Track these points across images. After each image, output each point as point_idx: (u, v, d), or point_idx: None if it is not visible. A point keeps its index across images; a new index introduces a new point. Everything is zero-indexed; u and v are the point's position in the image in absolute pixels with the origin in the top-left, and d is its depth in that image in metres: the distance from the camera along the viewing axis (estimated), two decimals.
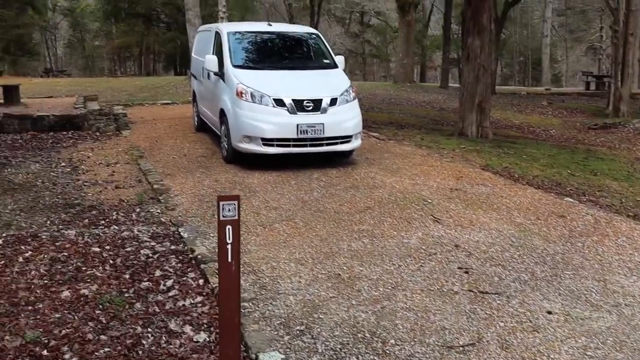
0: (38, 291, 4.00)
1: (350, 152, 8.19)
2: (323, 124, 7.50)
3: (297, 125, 7.41)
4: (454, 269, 4.50)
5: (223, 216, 2.78)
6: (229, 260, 2.82)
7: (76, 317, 3.63)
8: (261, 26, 9.28)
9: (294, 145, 7.54)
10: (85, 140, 10.16)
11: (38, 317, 3.62)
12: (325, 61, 8.68)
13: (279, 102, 7.49)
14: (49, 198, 6.44)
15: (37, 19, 47.66)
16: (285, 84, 7.84)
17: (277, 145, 7.51)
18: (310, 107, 7.55)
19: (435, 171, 7.76)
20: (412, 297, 3.99)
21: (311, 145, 7.60)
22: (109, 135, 10.73)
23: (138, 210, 6.03)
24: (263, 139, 7.46)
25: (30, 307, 3.76)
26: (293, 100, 7.49)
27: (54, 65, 52.74)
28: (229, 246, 2.81)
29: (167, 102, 15.40)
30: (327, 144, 7.66)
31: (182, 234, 5.21)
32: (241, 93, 7.63)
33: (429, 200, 6.30)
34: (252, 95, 7.56)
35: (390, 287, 4.14)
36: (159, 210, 5.97)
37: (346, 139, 7.77)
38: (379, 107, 16.04)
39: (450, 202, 6.30)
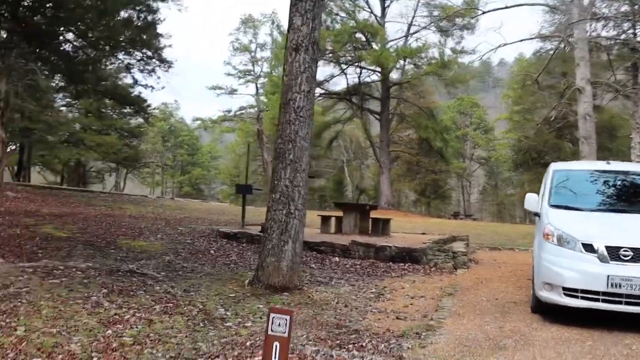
0: None
1: None
2: None
3: (608, 276, 6.10)
4: None
5: (272, 330, 2.48)
6: None
7: None
8: (599, 165, 8.23)
9: (604, 301, 6.18)
10: (416, 273, 10.40)
11: None
12: None
13: (588, 248, 6.34)
14: (327, 316, 6.73)
15: (453, 166, 52.40)
16: (603, 227, 6.64)
17: (582, 298, 6.28)
18: (629, 257, 6.15)
19: None
20: None
21: (628, 304, 6.10)
22: (444, 271, 10.77)
23: (393, 341, 5.75)
24: (564, 289, 6.37)
25: None
26: (607, 247, 6.25)
27: (465, 209, 56.13)
28: None
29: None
30: None
31: None
32: (547, 235, 6.79)
33: None
34: (559, 238, 6.63)
35: None
36: (409, 345, 5.58)
37: None
38: None
39: None
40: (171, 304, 6.99)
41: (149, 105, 28.32)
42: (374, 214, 16.21)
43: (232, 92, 57.25)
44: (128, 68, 20.76)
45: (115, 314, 6.36)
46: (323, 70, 39.55)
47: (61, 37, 12.41)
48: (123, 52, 17.59)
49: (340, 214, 15.51)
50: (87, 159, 43.54)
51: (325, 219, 15.48)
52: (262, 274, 8.09)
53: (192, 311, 6.73)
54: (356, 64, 39.70)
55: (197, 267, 9.83)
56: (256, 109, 59.15)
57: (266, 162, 56.24)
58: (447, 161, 44.13)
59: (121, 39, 16.50)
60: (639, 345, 5.74)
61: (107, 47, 15.30)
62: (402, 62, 39.78)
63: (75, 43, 13.24)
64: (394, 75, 43.85)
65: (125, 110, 32.86)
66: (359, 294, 8.27)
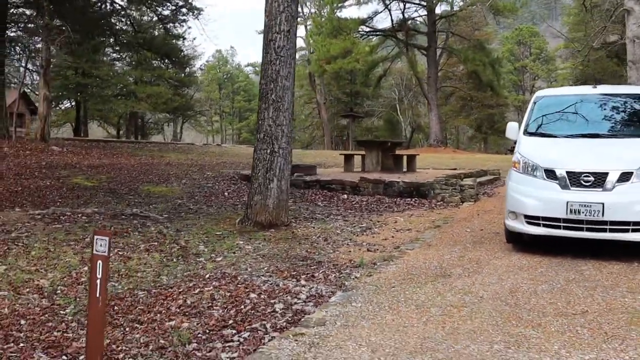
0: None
1: None
2: (602, 203, 5.86)
3: (567, 202, 6.02)
4: None
5: (96, 251, 2.73)
6: (97, 295, 2.73)
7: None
8: (584, 89, 7.91)
9: (565, 227, 6.11)
10: (419, 208, 10.46)
11: None
12: None
13: (550, 174, 6.25)
14: (299, 250, 6.98)
15: (511, 99, 50.71)
16: (569, 153, 6.49)
17: (544, 226, 6.24)
18: (589, 182, 6.02)
19: None
20: None
21: (588, 230, 6.01)
22: (451, 205, 10.78)
23: (347, 271, 5.95)
24: (526, 216, 6.34)
25: None
26: (568, 172, 6.13)
27: None
28: (98, 281, 2.73)
29: None
30: (611, 230, 5.93)
31: (331, 297, 4.94)
32: (515, 163, 6.72)
33: None
34: (524, 166, 6.55)
35: None
36: (357, 275, 5.76)
37: None
38: None
39: None
40: (156, 243, 7.42)
41: (185, 56, 28.70)
42: (402, 151, 16.20)
43: None
44: (160, 19, 21.06)
45: None
46: (367, 7, 38.67)
47: None
48: (148, 3, 17.83)
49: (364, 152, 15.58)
50: (143, 111, 44.94)
51: (348, 158, 15.61)
52: (250, 212, 8.40)
53: (173, 249, 7.13)
54: None
55: (202, 209, 10.26)
56: (306, 51, 58.82)
57: (320, 104, 56.28)
58: (498, 94, 42.74)
59: None
60: (592, 271, 5.70)
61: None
62: None
63: None
64: (444, 8, 42.43)
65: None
66: (347, 228, 8.46)
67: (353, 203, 10.87)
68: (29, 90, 36.39)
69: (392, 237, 7.84)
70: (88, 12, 13.24)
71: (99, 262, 2.77)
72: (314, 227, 8.48)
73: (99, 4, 15.27)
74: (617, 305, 4.62)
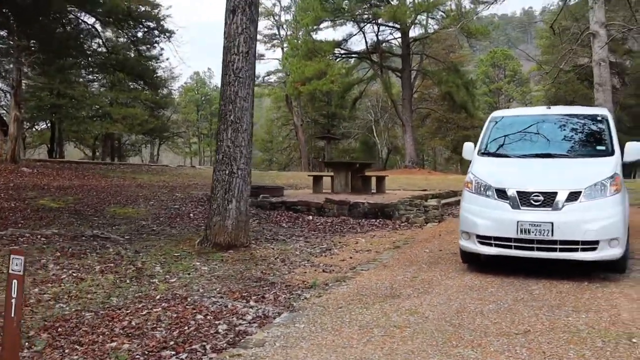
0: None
1: (617, 264, 6.20)
2: (552, 222, 5.94)
3: (518, 222, 6.08)
4: None
5: (12, 270, 2.69)
6: (12, 315, 2.68)
7: None
8: (538, 110, 8.06)
9: (517, 247, 6.17)
10: (382, 229, 10.49)
11: None
12: (600, 148, 6.86)
13: (501, 194, 6.32)
14: (254, 271, 6.94)
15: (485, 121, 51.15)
16: (520, 173, 6.58)
17: (496, 245, 6.29)
18: (539, 202, 6.09)
19: None
20: None
21: (539, 249, 6.07)
22: (415, 226, 10.83)
23: (298, 292, 5.90)
24: (478, 236, 6.39)
25: None
26: (518, 192, 6.21)
27: None
28: (13, 300, 2.68)
29: None
30: (561, 250, 5.99)
31: (276, 318, 4.91)
32: (467, 183, 6.79)
33: None
34: (476, 186, 6.62)
35: None
36: (307, 296, 5.74)
37: (590, 244, 5.92)
38: None
39: None
40: (112, 264, 7.33)
41: (158, 77, 28.68)
42: (374, 172, 16.26)
43: (259, 57, 57.14)
44: (133, 42, 21.07)
45: (54, 274, 6.74)
46: (341, 30, 39.15)
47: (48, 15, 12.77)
48: (120, 25, 17.84)
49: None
50: (119, 133, 44.64)
51: (317, 179, 15.64)
52: (209, 233, 8.35)
53: (129, 270, 7.05)
54: (373, 21, 39.05)
55: (165, 230, 10.18)
56: (284, 73, 59.11)
57: (297, 126, 56.43)
58: (472, 115, 43.26)
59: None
60: (542, 290, 5.75)
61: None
62: (420, 17, 38.89)
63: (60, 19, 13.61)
64: (417, 31, 43.04)
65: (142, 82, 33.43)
66: (306, 249, 8.45)
67: (317, 224, 10.87)
68: (3, 112, 35.97)
69: (350, 258, 7.85)
70: (54, 32, 13.20)
71: (14, 281, 2.73)
72: (273, 249, 8.45)
73: (67, 25, 15.21)
74: (560, 324, 4.65)
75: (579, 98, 39.03)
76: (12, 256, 2.78)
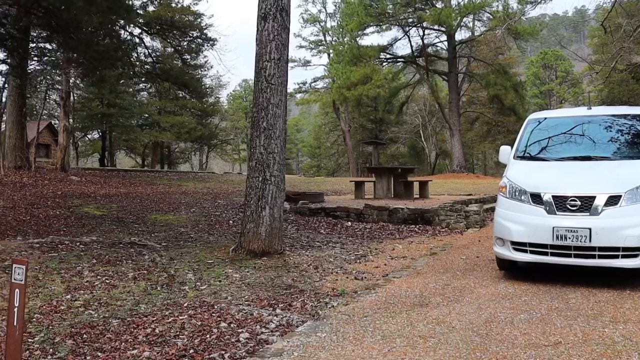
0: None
1: None
2: (590, 228, 5.66)
3: (553, 228, 5.83)
4: None
5: (14, 279, 2.70)
6: (15, 323, 2.70)
7: None
8: (578, 110, 7.73)
9: (553, 254, 5.91)
10: (421, 235, 10.29)
11: None
12: None
13: (536, 199, 6.08)
14: (286, 279, 6.89)
15: None
16: (557, 177, 6.31)
17: (531, 252, 6.04)
18: (576, 207, 5.82)
19: None
20: None
21: (576, 256, 5.80)
22: (455, 231, 10.59)
23: (326, 300, 5.82)
24: (512, 242, 6.16)
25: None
26: (554, 197, 5.95)
27: None
28: (15, 309, 2.69)
29: None
30: (600, 257, 5.71)
31: (299, 327, 4.83)
32: (501, 187, 6.57)
33: None
34: (510, 191, 6.39)
35: None
36: (335, 304, 5.64)
37: (632, 251, 5.61)
38: None
39: None
40: (145, 271, 7.41)
41: (203, 85, 29.15)
42: (419, 177, 16.03)
43: (306, 63, 57.48)
44: (177, 51, 21.49)
45: (87, 281, 6.86)
46: (387, 34, 38.93)
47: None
48: (164, 35, 18.24)
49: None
50: (168, 141, 45.63)
51: (358, 185, 15.52)
52: (243, 240, 8.36)
53: (161, 277, 7.11)
54: (418, 25, 38.67)
55: (202, 237, 10.26)
56: (330, 79, 59.23)
57: (344, 131, 56.40)
58: (521, 118, 42.14)
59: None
60: (579, 299, 5.48)
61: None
62: (466, 19, 38.29)
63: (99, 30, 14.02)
64: (463, 34, 42.40)
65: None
66: (341, 256, 8.35)
67: (356, 230, 10.76)
68: (56, 122, 37.29)
69: (385, 265, 7.71)
70: (93, 44, 13.63)
71: (17, 290, 2.75)
72: (307, 255, 8.39)
73: (111, 36, 15.67)
74: (595, 336, 4.41)
75: (634, 98, 37.59)
76: (14, 265, 2.80)
